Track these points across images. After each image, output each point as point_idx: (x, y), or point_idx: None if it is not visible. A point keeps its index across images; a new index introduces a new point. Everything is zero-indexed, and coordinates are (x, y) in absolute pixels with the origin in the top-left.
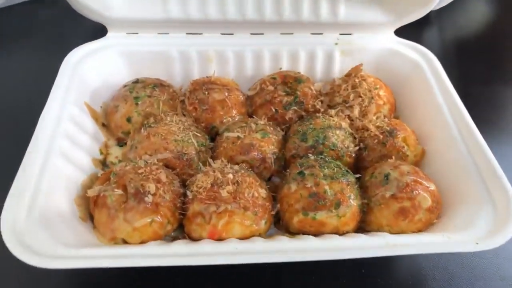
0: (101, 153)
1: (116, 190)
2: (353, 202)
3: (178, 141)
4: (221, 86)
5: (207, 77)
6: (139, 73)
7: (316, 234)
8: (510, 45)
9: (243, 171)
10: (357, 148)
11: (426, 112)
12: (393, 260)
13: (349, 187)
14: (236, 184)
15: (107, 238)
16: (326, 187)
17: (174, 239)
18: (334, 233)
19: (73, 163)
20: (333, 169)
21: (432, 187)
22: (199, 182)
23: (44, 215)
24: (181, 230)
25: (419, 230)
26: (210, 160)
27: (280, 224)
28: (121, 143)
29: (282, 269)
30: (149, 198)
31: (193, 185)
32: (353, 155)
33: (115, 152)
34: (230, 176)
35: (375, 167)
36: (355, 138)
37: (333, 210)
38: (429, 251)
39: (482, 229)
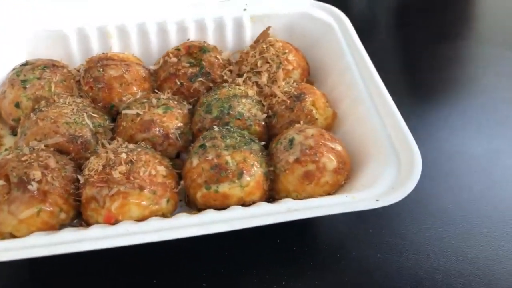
0: None
1: None
2: (256, 171)
3: (70, 124)
4: (119, 61)
5: (103, 53)
6: (36, 55)
7: (222, 208)
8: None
9: (139, 150)
10: (265, 115)
11: (337, 73)
12: (308, 227)
13: (252, 155)
14: (129, 164)
15: None
16: (228, 158)
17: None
18: (241, 205)
19: None
20: (236, 139)
21: (339, 147)
22: (91, 165)
23: None
24: (80, 218)
25: (328, 193)
26: (105, 142)
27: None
28: (14, 131)
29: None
30: (34, 186)
31: (85, 168)
32: (262, 123)
33: (9, 142)
34: (123, 155)
35: (282, 133)
36: (263, 105)
37: (236, 181)
38: (329, 212)
39: (385, 186)
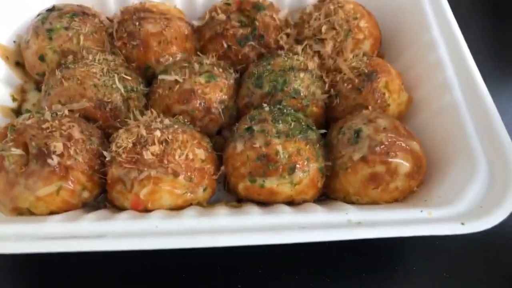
0: (14, 99)
1: (14, 149)
2: (312, 166)
3: (99, 86)
4: (158, 14)
5: (140, 3)
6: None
7: (266, 203)
8: None
9: (176, 126)
10: (326, 95)
11: (418, 50)
12: None
13: (308, 146)
14: (164, 144)
15: (8, 208)
16: (279, 147)
17: (98, 207)
18: (289, 202)
19: None
20: (290, 124)
21: (416, 147)
22: (120, 140)
23: None
24: (106, 196)
25: (395, 200)
26: (137, 112)
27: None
28: (41, 86)
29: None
30: (54, 161)
31: (112, 143)
32: (322, 104)
33: (33, 98)
34: (157, 133)
35: (346, 120)
36: (324, 82)
37: (286, 176)
38: (402, 234)
39: (471, 204)
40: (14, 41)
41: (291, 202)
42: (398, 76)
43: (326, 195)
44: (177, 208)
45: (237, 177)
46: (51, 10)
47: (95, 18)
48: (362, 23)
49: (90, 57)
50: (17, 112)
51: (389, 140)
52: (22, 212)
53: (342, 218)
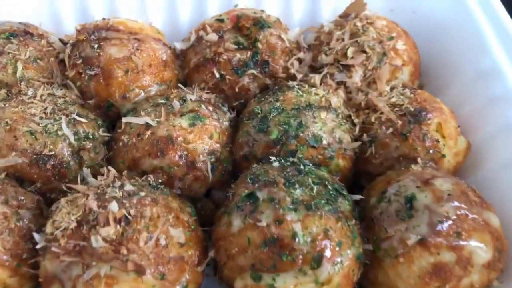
0: None
1: None
2: (346, 254)
3: (37, 134)
4: (126, 34)
5: (103, 19)
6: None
7: None
8: None
9: (143, 194)
10: (357, 143)
11: (473, 79)
12: None
13: (339, 224)
14: (123, 223)
15: None
16: (296, 227)
17: None
18: None
19: None
20: (312, 189)
21: (494, 221)
22: (59, 216)
23: None
24: None
25: None
26: (87, 171)
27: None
28: None
29: None
30: None
31: (48, 221)
32: (351, 154)
33: None
34: (113, 206)
35: (388, 180)
36: (354, 124)
37: (308, 272)
38: None
39: None
40: None
41: None
42: (452, 115)
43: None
44: None
45: (233, 270)
46: None
47: (41, 40)
48: (400, 45)
49: (30, 92)
50: None
51: (458, 213)
52: None
53: None
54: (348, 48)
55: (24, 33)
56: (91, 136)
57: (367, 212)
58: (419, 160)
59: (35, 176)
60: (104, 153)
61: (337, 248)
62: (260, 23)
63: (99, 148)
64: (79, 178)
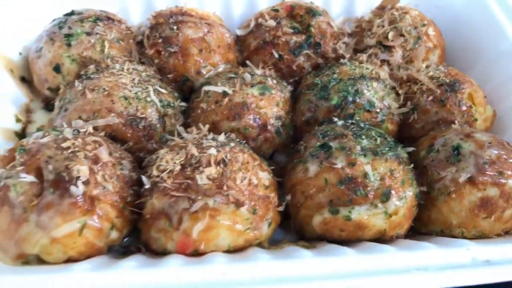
0: (18, 120)
1: (23, 175)
2: (409, 192)
3: (130, 99)
4: (198, 18)
5: (176, 6)
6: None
7: (346, 242)
8: None
9: (233, 144)
10: (405, 109)
11: (493, 59)
12: None
13: (401, 167)
14: (222, 165)
15: (11, 256)
16: (367, 168)
17: (125, 252)
18: (377, 240)
19: None
20: (375, 138)
21: None
22: (163, 162)
23: None
24: (136, 236)
25: (506, 232)
26: (181, 128)
27: (288, 223)
28: (49, 105)
29: None
30: (79, 188)
31: (152, 166)
32: (397, 120)
33: (40, 119)
34: (213, 151)
35: (433, 136)
36: (398, 95)
37: (379, 205)
38: None
39: None
40: (20, 53)
41: (379, 240)
42: (479, 87)
43: (415, 230)
44: (235, 251)
45: (311, 208)
46: (69, 14)
47: (121, 24)
48: (430, 31)
49: (117, 66)
50: (21, 135)
51: (499, 156)
52: (29, 260)
53: (464, 256)
54: (389, 32)
55: (106, 18)
56: (171, 104)
57: (419, 162)
58: (456, 122)
59: (128, 135)
60: (182, 119)
61: (401, 186)
62: (312, 11)
63: (178, 115)
64: (176, 133)
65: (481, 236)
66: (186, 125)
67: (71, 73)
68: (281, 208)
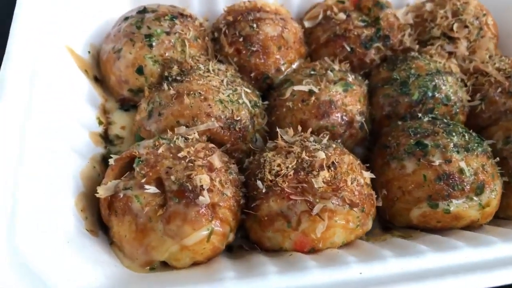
0: (100, 123)
1: (147, 187)
2: (498, 184)
3: (226, 102)
4: (272, 14)
5: (248, 1)
6: (140, 2)
7: (439, 230)
8: None
9: (334, 146)
10: (478, 102)
11: None
12: None
13: (490, 161)
14: (332, 168)
15: (139, 263)
16: (462, 164)
17: (229, 249)
18: (467, 228)
19: (59, 146)
20: (463, 135)
21: None
22: (274, 165)
23: (25, 239)
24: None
25: None
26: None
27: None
28: (125, 105)
29: None
30: (206, 198)
31: (263, 170)
32: (467, 111)
33: (119, 120)
34: (322, 155)
35: (506, 127)
36: (465, 85)
37: (474, 198)
38: None
39: None
40: (89, 52)
41: (467, 228)
42: None
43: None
44: (345, 246)
45: (409, 202)
46: (142, 11)
47: (194, 21)
48: (490, 20)
49: (202, 67)
50: (105, 138)
51: None
52: (154, 265)
53: None
54: (454, 24)
55: (180, 15)
56: (257, 104)
57: (496, 154)
58: None
59: (226, 138)
60: (266, 118)
61: (492, 179)
62: (379, 4)
63: (263, 114)
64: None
65: None
66: (270, 124)
67: (154, 74)
68: (379, 203)
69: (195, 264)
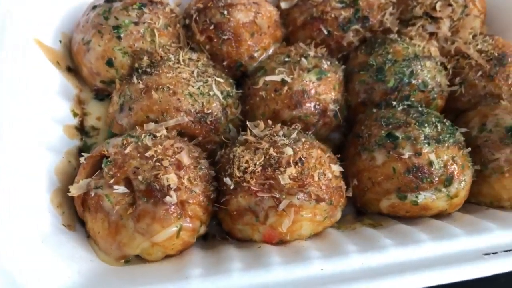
0: (75, 115)
1: (115, 187)
2: (467, 174)
3: (195, 95)
4: None
5: None
6: None
7: (408, 218)
8: None
9: (303, 139)
10: (456, 87)
11: None
12: None
13: (461, 152)
14: (300, 164)
15: (113, 257)
16: (432, 157)
17: (204, 236)
18: (437, 216)
19: (32, 143)
20: (435, 125)
21: None
22: (242, 161)
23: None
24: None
25: None
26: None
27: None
28: (100, 95)
29: None
30: (173, 197)
31: (232, 166)
32: (446, 95)
33: (95, 110)
34: (289, 151)
35: (483, 114)
36: (446, 68)
37: (442, 189)
38: None
39: None
40: (60, 41)
41: (437, 216)
42: None
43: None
44: (314, 236)
45: (379, 193)
46: (110, 0)
47: (164, 7)
48: None
49: (172, 57)
50: (81, 130)
51: None
52: (129, 260)
53: None
54: (437, 2)
55: (149, 2)
56: (230, 94)
57: (471, 141)
58: (503, 96)
59: (197, 131)
60: (240, 107)
61: (462, 170)
62: None
63: (237, 103)
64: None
65: None
66: (244, 113)
67: (124, 66)
68: (349, 194)
69: (168, 256)
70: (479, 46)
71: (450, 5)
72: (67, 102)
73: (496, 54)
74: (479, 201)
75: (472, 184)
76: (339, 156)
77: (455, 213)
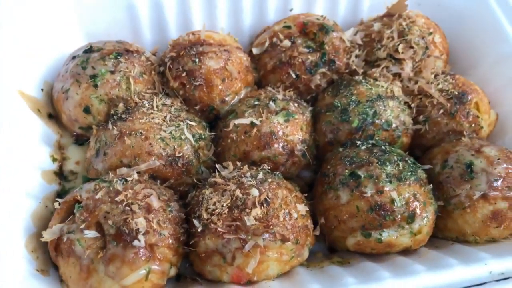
0: (54, 160)
1: (86, 232)
2: (430, 210)
3: (167, 140)
4: (216, 46)
5: (192, 33)
6: (92, 33)
7: (375, 255)
8: None
9: (270, 180)
10: (420, 126)
11: (495, 63)
12: None
13: (422, 189)
14: (265, 204)
15: None
16: (394, 194)
17: (178, 277)
18: (402, 253)
19: (10, 190)
20: (397, 163)
21: None
22: (210, 203)
23: None
24: (185, 262)
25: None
26: (219, 166)
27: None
28: (79, 140)
29: None
30: (141, 242)
31: (200, 208)
32: (411, 132)
33: (74, 155)
34: (255, 192)
35: (446, 150)
36: (410, 107)
37: (405, 226)
38: None
39: None
40: (42, 89)
41: (404, 252)
42: (483, 93)
43: (433, 235)
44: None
45: (344, 231)
46: (88, 50)
47: (140, 56)
48: (436, 38)
49: (146, 104)
50: (59, 174)
51: (507, 172)
52: None
53: (482, 271)
54: (399, 45)
55: (126, 52)
56: (203, 136)
57: (434, 177)
58: (464, 133)
59: (169, 174)
60: (213, 149)
61: (424, 206)
62: (325, 28)
63: (209, 145)
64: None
65: (490, 241)
66: (217, 154)
67: (101, 113)
68: (316, 232)
69: None
70: (440, 86)
71: (411, 47)
72: (47, 148)
73: (456, 93)
74: (446, 236)
75: (438, 220)
76: (306, 195)
77: (421, 249)
